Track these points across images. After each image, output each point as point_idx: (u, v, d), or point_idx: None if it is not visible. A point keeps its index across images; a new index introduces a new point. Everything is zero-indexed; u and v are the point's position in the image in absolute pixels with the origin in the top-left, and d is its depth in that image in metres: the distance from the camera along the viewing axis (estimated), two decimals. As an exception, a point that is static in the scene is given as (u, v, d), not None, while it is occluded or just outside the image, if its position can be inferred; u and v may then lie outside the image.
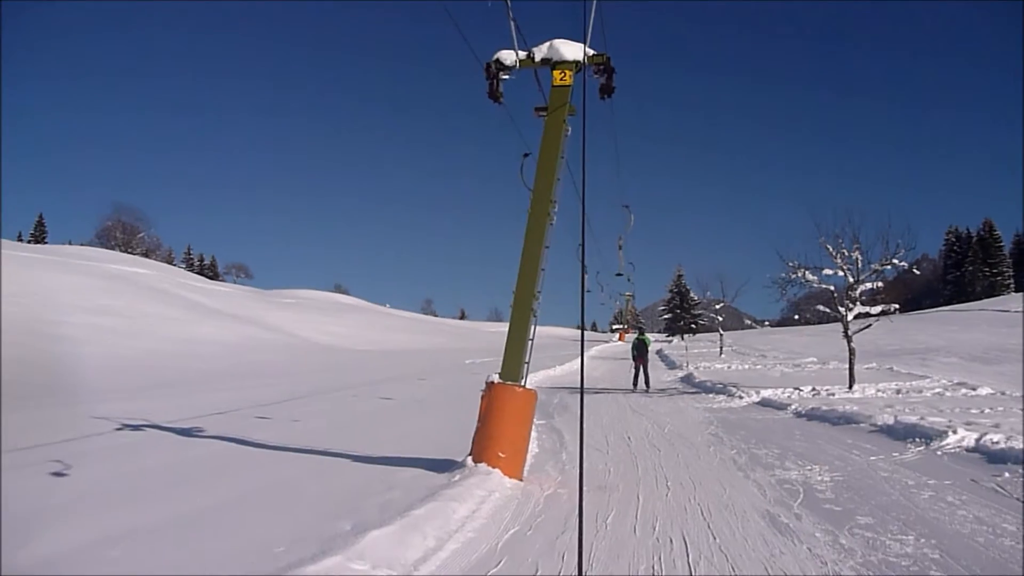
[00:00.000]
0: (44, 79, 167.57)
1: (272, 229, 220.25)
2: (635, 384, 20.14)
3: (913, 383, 16.54)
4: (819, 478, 7.41)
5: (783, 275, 16.58)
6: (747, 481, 7.36)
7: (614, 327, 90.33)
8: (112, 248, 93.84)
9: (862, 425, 10.78)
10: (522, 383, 7.53)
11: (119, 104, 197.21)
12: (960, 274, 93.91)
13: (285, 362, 32.30)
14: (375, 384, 20.09)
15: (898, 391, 15.24)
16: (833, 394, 15.05)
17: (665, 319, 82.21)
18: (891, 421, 10.39)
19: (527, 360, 7.62)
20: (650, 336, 27.92)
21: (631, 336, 23.61)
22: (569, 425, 12.21)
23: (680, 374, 24.99)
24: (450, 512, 5.60)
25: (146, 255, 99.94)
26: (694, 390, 18.98)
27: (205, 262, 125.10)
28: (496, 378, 7.41)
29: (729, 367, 25.95)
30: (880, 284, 16.33)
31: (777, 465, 8.19)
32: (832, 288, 16.18)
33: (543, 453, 9.36)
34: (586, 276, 26.65)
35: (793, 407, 13.29)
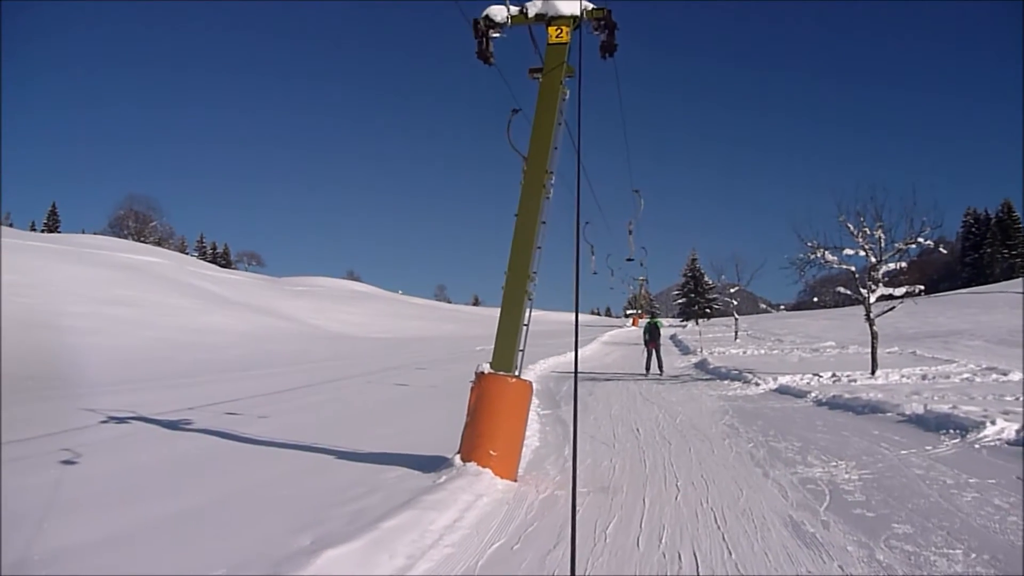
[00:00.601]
0: (59, 70, 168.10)
1: (284, 217, 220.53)
2: (647, 369, 20.02)
3: (939, 368, 15.71)
4: (846, 476, 6.68)
5: (801, 255, 15.77)
6: (766, 480, 6.65)
7: (628, 312, 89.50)
8: (125, 237, 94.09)
9: (889, 414, 10.02)
10: (516, 373, 6.84)
11: (133, 95, 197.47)
12: (978, 256, 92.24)
13: (297, 351, 31.75)
14: (383, 372, 19.51)
15: (924, 376, 14.43)
16: (855, 380, 14.26)
17: (679, 304, 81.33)
18: (920, 410, 9.62)
19: (521, 348, 6.91)
20: (663, 321, 27.06)
21: (645, 321, 23.00)
22: (580, 419, 11.52)
23: (694, 360, 24.22)
24: (427, 522, 4.93)
25: (159, 244, 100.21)
26: (708, 376, 18.24)
27: (218, 250, 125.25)
28: (487, 368, 6.71)
29: (745, 352, 25.17)
30: (903, 265, 15.45)
31: (799, 461, 7.47)
32: (853, 269, 15.35)
33: (545, 448, 8.68)
34: (594, 259, 25.89)
35: (813, 394, 12.53)
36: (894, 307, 15.02)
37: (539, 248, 7.07)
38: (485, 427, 6.52)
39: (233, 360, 25.80)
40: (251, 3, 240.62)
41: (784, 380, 14.79)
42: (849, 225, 15.19)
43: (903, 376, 14.64)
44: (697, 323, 67.08)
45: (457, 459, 6.54)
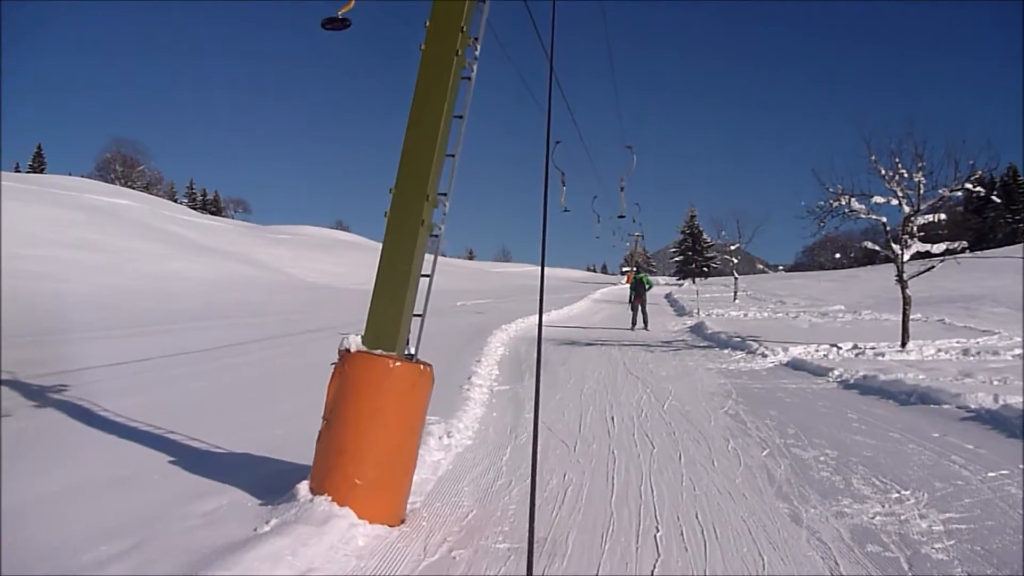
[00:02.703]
0: (51, 13, 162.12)
1: (277, 166, 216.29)
2: (633, 324, 19.88)
3: (979, 340, 13.25)
4: (923, 524, 4.23)
5: (822, 203, 13.13)
6: (798, 530, 4.19)
7: (623, 269, 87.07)
8: (112, 182, 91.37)
9: (946, 407, 7.56)
10: (408, 352, 4.33)
11: (128, 38, 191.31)
12: (982, 220, 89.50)
13: (263, 301, 29.13)
14: (348, 327, 16.99)
15: (965, 351, 11.96)
16: (883, 354, 11.81)
17: (676, 262, 78.77)
18: (993, 404, 7.16)
19: (419, 313, 4.39)
20: (659, 279, 25.89)
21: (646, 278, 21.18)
22: (543, 392, 9.07)
23: (689, 322, 21.72)
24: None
25: (147, 189, 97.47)
26: (706, 343, 15.74)
27: (208, 197, 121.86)
28: (355, 343, 4.16)
29: (745, 315, 22.68)
30: (943, 217, 12.88)
31: (841, 488, 5.01)
32: (884, 220, 12.75)
33: (477, 450, 6.22)
34: (564, 190, 22.80)
35: (836, 372, 10.07)
36: (933, 267, 12.47)
37: (451, 156, 4.48)
38: (348, 439, 4.02)
39: (187, 310, 23.19)
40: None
41: (797, 351, 12.34)
42: (881, 168, 12.58)
43: (939, 350, 12.19)
44: (694, 282, 64.71)
45: (303, 489, 4.06)
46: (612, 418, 7.54)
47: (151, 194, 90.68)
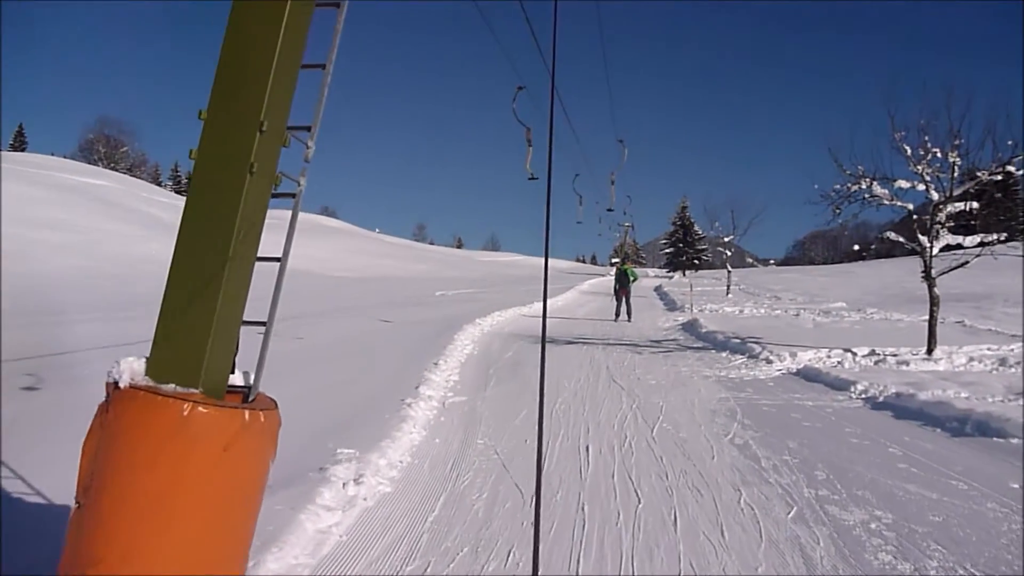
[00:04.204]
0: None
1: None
2: (616, 315, 19.84)
3: (1013, 348, 11.62)
4: None
5: (838, 186, 11.43)
6: None
7: (612, 260, 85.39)
8: (95, 163, 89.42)
9: (1015, 441, 5.92)
10: (238, 386, 2.62)
11: (118, 21, 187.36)
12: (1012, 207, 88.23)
13: (231, 287, 27.27)
14: (311, 319, 15.20)
15: (1002, 361, 10.33)
16: (907, 363, 10.18)
17: (666, 253, 77.06)
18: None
19: (264, 322, 2.66)
20: (644, 271, 25.43)
21: (630, 270, 20.53)
22: (507, 406, 7.39)
23: (681, 319, 20.04)
24: None
25: (130, 171, 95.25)
26: (700, 344, 14.05)
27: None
28: (131, 373, 2.43)
29: (741, 311, 21.06)
30: (974, 205, 11.21)
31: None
32: (911, 207, 11.07)
33: (399, 496, 4.52)
34: (581, 208, 22.63)
35: (859, 386, 8.42)
36: (967, 262, 10.81)
37: (319, 68, 2.74)
38: (110, 538, 2.31)
39: (147, 294, 21.44)
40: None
41: (807, 357, 10.72)
42: (906, 146, 10.90)
43: (971, 358, 10.57)
44: (684, 275, 63.18)
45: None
46: (587, 448, 5.86)
47: (134, 176, 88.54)
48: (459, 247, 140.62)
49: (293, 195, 2.68)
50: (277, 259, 2.67)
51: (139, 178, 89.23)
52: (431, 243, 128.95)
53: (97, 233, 34.73)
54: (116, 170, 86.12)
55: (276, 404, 2.66)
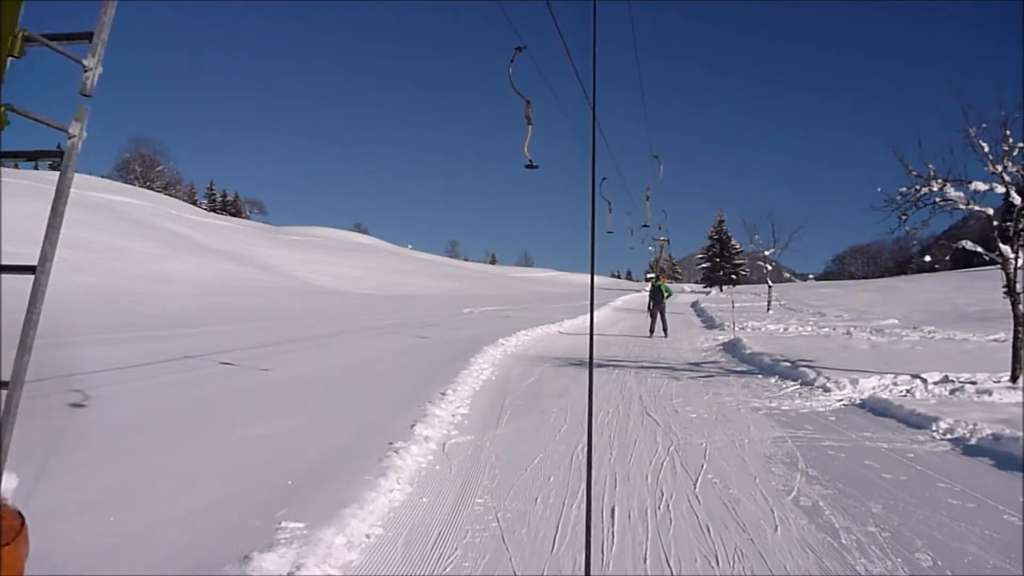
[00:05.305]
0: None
1: (299, 168, 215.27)
2: (651, 332, 19.63)
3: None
4: None
5: (904, 190, 10.03)
6: None
7: (648, 276, 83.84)
8: (131, 182, 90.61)
9: None
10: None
11: (151, 37, 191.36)
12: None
13: (258, 306, 26.46)
14: (309, 343, 14.16)
15: (1103, 390, 8.83)
16: (988, 392, 8.74)
17: (703, 268, 75.21)
18: None
19: (8, 381, 1.50)
20: (679, 286, 24.69)
21: (665, 286, 19.75)
22: (519, 448, 6.15)
23: (721, 338, 18.59)
24: None
25: (165, 189, 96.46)
26: (744, 367, 12.67)
27: (228, 198, 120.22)
28: None
29: (786, 330, 19.55)
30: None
31: None
32: (991, 212, 9.63)
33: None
34: (611, 216, 21.67)
35: (943, 425, 7.03)
36: (1059, 277, 9.36)
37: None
38: None
39: (166, 315, 20.48)
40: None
41: (870, 385, 9.33)
42: (983, 143, 9.49)
43: (1065, 387, 9.08)
44: (721, 290, 61.36)
45: None
46: (612, 512, 4.62)
47: (169, 195, 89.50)
48: (492, 263, 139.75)
49: (51, 153, 1.52)
50: (30, 269, 1.50)
51: (175, 196, 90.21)
52: (464, 259, 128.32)
53: (117, 251, 34.26)
54: (152, 189, 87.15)
55: (23, 521, 1.48)
